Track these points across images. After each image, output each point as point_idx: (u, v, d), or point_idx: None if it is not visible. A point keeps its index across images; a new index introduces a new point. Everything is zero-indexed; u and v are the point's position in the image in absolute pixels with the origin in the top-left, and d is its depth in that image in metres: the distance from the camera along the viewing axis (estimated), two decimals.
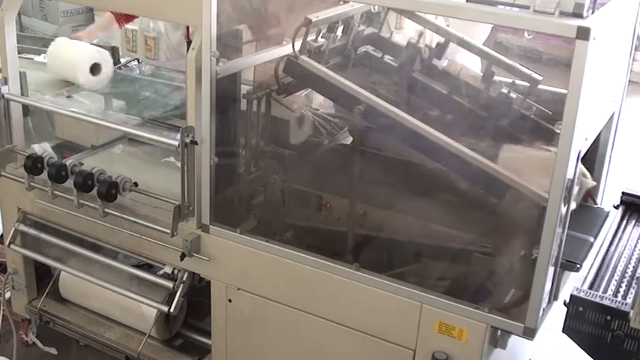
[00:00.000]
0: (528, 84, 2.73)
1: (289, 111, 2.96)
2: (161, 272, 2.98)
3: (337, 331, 2.57)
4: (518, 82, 2.75)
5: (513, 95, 2.70)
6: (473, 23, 2.84)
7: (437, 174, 2.49)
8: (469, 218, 2.51)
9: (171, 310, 2.88)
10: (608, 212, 2.79)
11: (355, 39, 2.99)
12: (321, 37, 2.80)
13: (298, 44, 2.65)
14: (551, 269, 2.21)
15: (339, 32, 2.90)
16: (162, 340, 3.17)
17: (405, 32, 4.83)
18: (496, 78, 2.72)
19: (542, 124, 2.66)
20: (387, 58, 3.05)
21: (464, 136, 2.45)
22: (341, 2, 3.08)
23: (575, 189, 2.18)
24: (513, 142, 2.58)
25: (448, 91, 2.73)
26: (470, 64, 3.00)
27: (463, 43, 2.86)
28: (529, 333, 2.26)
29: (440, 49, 2.83)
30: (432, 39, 2.93)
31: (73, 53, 3.52)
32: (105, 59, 3.53)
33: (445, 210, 2.54)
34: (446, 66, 2.82)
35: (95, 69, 3.49)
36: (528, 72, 2.74)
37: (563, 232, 2.21)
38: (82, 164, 2.92)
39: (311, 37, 2.72)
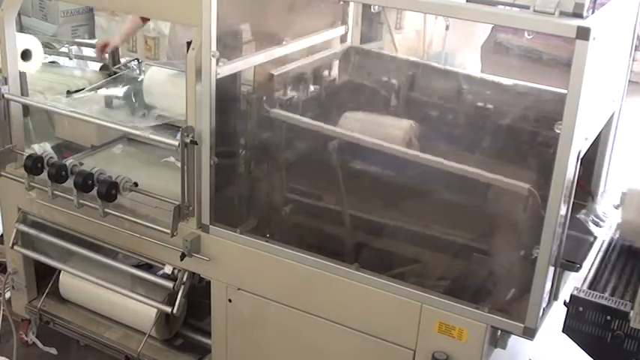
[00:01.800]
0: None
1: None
2: (161, 272, 2.98)
3: (337, 331, 2.57)
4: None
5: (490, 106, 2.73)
6: (473, 23, 2.84)
7: (437, 176, 2.49)
8: (469, 218, 2.51)
9: (174, 311, 2.88)
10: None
11: (328, 88, 3.02)
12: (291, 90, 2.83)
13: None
14: (551, 269, 2.21)
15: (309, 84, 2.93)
16: (162, 340, 3.17)
17: (405, 32, 4.84)
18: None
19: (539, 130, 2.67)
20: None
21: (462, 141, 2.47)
22: (341, 2, 3.08)
23: None
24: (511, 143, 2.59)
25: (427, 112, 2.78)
26: (470, 65, 3.01)
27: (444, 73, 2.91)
28: (529, 333, 2.26)
29: (411, 82, 2.88)
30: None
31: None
32: (35, 45, 3.55)
33: (445, 210, 2.54)
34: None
35: (26, 55, 3.50)
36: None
37: (563, 232, 2.21)
38: (82, 164, 2.92)
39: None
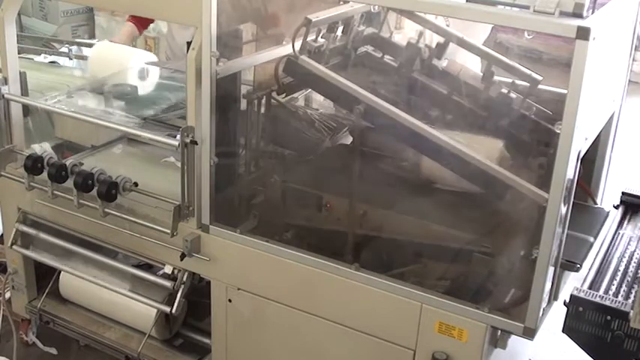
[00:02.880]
0: (528, 84, 2.73)
1: (289, 111, 2.96)
2: (161, 272, 2.98)
3: (337, 331, 2.57)
4: (518, 82, 2.75)
5: (513, 95, 2.70)
6: (473, 23, 2.84)
7: (437, 174, 2.49)
8: (469, 218, 2.51)
9: (173, 310, 2.88)
10: (608, 212, 2.79)
11: (355, 39, 2.99)
12: (321, 38, 2.80)
13: (298, 44, 2.65)
14: (551, 269, 2.21)
15: (339, 32, 2.89)
16: (162, 340, 3.17)
17: (405, 32, 4.83)
18: (496, 78, 2.72)
19: (542, 124, 2.66)
20: (387, 58, 3.05)
21: (464, 136, 2.45)
22: (341, 2, 3.08)
23: None
24: (512, 141, 2.58)
25: (448, 91, 2.73)
26: (470, 64, 3.01)
27: (463, 43, 2.86)
28: (529, 333, 2.26)
29: (439, 50, 2.83)
30: (432, 39, 2.93)
31: (122, 57, 3.54)
32: (153, 65, 3.56)
33: (445, 210, 2.54)
34: (446, 66, 2.82)
35: (143, 73, 3.52)
36: (528, 72, 2.74)
37: (563, 232, 2.21)
38: (82, 164, 2.92)
39: (311, 38, 2.72)
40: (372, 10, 3.05)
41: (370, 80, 2.84)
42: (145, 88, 3.48)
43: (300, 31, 2.63)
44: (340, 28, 2.90)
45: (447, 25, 3.00)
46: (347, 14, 2.89)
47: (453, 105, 2.70)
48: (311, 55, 2.70)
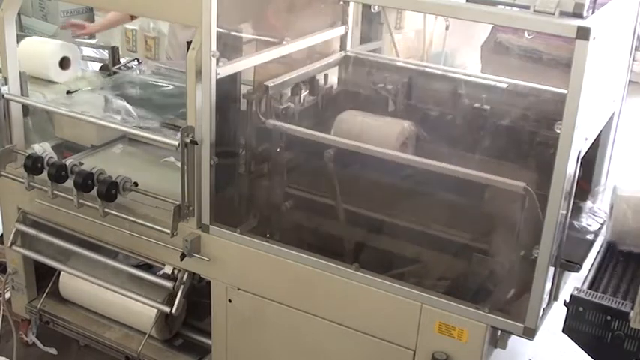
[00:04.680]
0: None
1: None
2: (161, 272, 2.98)
3: (337, 331, 2.57)
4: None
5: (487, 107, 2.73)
6: (473, 23, 2.84)
7: (435, 177, 2.50)
8: (469, 218, 2.51)
9: (173, 310, 2.88)
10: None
11: (325, 98, 3.02)
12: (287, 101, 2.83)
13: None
14: (551, 269, 2.21)
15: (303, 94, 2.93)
16: (162, 340, 3.17)
17: (405, 32, 4.84)
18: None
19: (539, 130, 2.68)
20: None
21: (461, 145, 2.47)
22: (341, 2, 3.08)
23: None
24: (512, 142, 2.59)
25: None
26: (470, 65, 3.01)
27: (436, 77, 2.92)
28: (529, 333, 2.26)
29: (408, 89, 2.89)
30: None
31: (42, 50, 3.56)
32: (73, 53, 3.59)
33: (445, 210, 2.54)
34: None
35: (65, 63, 3.54)
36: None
37: (563, 232, 2.21)
38: (82, 164, 2.92)
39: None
40: (372, 10, 3.05)
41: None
42: (64, 76, 3.54)
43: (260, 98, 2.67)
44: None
45: (447, 25, 3.00)
46: (307, 74, 2.93)
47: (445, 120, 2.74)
48: (279, 118, 2.72)
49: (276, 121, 2.64)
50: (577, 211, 2.62)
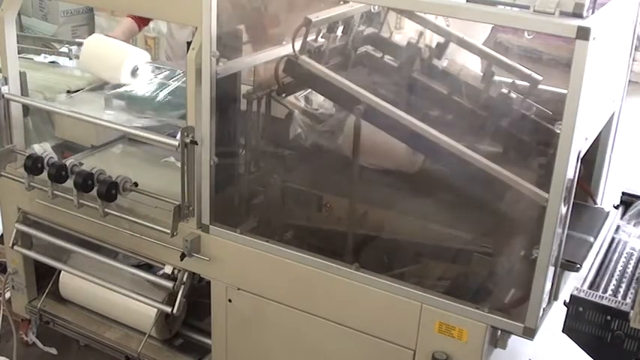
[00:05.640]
0: (528, 84, 2.73)
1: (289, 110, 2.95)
2: (161, 272, 2.98)
3: (337, 331, 2.57)
4: (518, 82, 2.75)
5: (513, 95, 2.70)
6: (473, 23, 2.84)
7: (437, 174, 2.49)
8: (469, 218, 2.51)
9: (174, 311, 2.88)
10: (608, 212, 2.79)
11: (355, 39, 2.99)
12: (321, 37, 2.79)
13: (298, 44, 2.65)
14: (551, 269, 2.21)
15: (339, 32, 2.89)
16: (162, 340, 3.17)
17: (405, 32, 4.83)
18: (496, 78, 2.72)
19: (542, 124, 2.66)
20: (387, 58, 3.05)
21: (464, 136, 2.45)
22: (341, 2, 3.08)
23: None
24: (513, 141, 2.58)
25: (448, 91, 2.73)
26: (471, 63, 3.00)
27: (463, 43, 2.86)
28: (529, 333, 2.26)
29: (439, 49, 2.83)
30: (432, 39, 2.92)
31: (115, 52, 3.50)
32: (144, 63, 3.52)
33: (445, 210, 2.54)
34: (446, 66, 2.82)
35: (134, 71, 3.48)
36: (528, 72, 2.74)
37: (563, 232, 2.21)
38: (82, 164, 2.92)
39: (311, 37, 2.72)
40: (372, 10, 3.04)
41: (370, 80, 2.84)
42: (135, 85, 3.44)
43: (299, 31, 2.63)
44: (340, 29, 2.89)
45: (447, 25, 2.99)
46: (347, 14, 2.89)
47: (454, 105, 2.70)
48: (311, 55, 2.69)
49: (309, 60, 2.58)
50: (577, 211, 2.62)
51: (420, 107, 2.71)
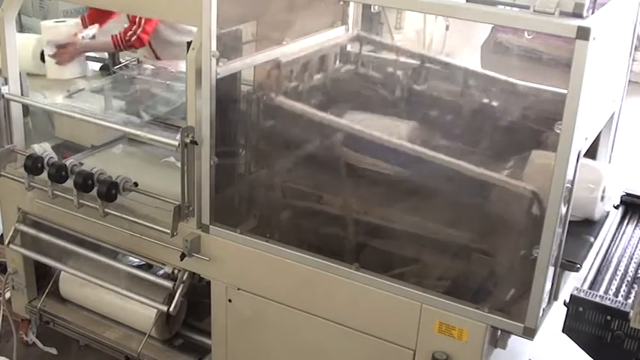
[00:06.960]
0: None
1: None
2: (161, 272, 2.98)
3: (337, 331, 2.57)
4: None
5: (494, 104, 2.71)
6: (473, 23, 2.84)
7: (437, 175, 2.49)
8: (469, 218, 2.51)
9: (171, 310, 2.88)
10: (608, 212, 2.79)
11: (333, 75, 2.99)
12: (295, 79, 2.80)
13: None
14: (551, 269, 2.21)
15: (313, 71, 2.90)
16: (162, 340, 3.17)
17: (404, 32, 4.83)
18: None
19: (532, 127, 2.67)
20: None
21: (456, 143, 2.47)
22: (341, 2, 3.08)
23: None
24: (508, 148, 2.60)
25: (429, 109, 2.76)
26: (470, 63, 3.00)
27: (444, 66, 2.90)
28: (529, 333, 2.26)
29: (417, 74, 2.86)
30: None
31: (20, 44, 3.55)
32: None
33: (445, 210, 2.54)
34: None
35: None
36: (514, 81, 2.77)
37: (563, 232, 2.21)
38: (82, 164, 2.92)
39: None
40: (372, 10, 3.05)
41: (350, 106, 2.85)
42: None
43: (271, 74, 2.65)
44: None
45: (447, 26, 3.00)
46: (319, 52, 2.90)
47: (440, 120, 2.72)
48: (287, 95, 2.70)
49: (285, 99, 2.62)
50: None
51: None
